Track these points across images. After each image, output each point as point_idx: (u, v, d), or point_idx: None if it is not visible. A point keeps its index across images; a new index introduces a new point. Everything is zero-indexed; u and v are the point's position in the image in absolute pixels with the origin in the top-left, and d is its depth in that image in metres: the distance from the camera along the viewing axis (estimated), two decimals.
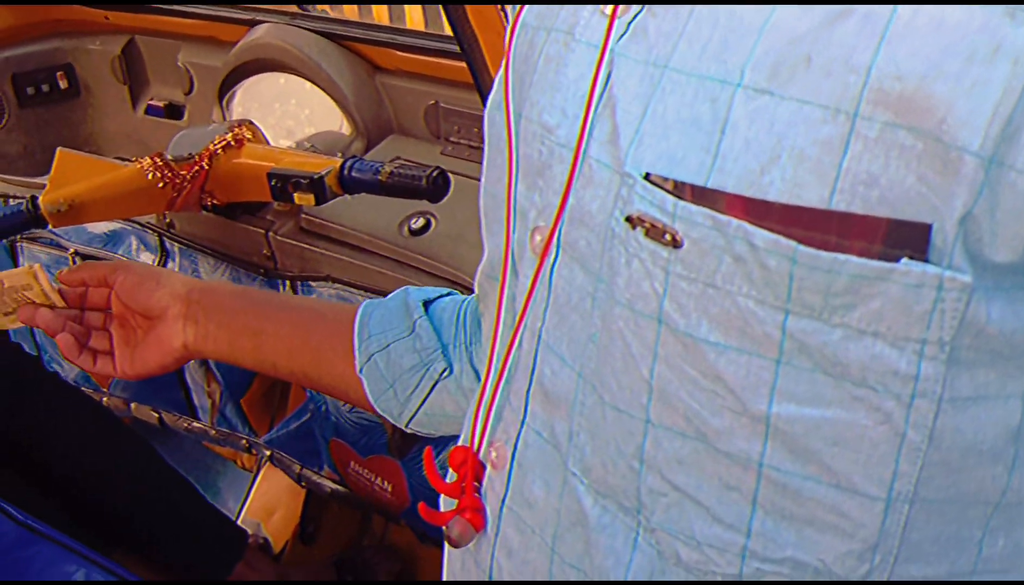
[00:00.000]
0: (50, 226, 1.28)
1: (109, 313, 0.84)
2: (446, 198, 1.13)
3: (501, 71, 0.52)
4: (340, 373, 0.74)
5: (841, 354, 0.37)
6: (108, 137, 1.67)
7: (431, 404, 0.71)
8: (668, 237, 0.39)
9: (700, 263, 0.39)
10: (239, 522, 1.61)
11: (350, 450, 1.32)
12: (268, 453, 1.51)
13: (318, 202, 1.17)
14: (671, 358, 0.41)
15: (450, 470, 0.52)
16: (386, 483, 1.31)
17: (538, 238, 0.46)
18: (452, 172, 1.13)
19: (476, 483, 0.50)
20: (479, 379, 0.71)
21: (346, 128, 1.46)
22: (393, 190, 1.13)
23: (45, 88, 1.58)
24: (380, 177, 1.13)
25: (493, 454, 0.50)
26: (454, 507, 0.50)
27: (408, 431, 0.77)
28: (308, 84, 1.43)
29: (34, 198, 1.25)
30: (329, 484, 1.45)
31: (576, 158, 0.43)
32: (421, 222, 1.23)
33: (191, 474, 1.51)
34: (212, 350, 0.79)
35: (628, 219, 0.40)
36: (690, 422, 0.41)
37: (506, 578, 0.49)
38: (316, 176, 1.15)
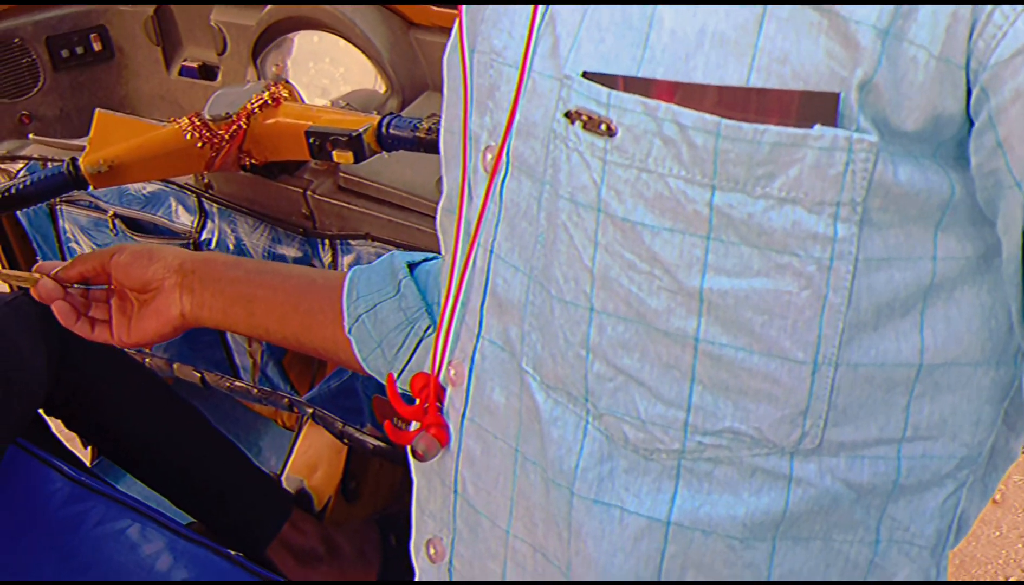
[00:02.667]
0: (91, 187, 1.29)
1: (111, 288, 0.88)
2: None
3: (457, 18, 0.55)
4: (330, 336, 0.78)
5: (765, 224, 0.40)
6: (142, 99, 1.67)
7: (417, 361, 0.75)
8: (604, 127, 0.42)
9: (633, 149, 0.41)
10: (282, 479, 1.63)
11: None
12: (310, 411, 1.52)
13: (356, 159, 1.16)
14: (611, 245, 0.43)
15: (409, 392, 0.56)
16: None
17: (488, 157, 0.48)
18: None
19: (438, 404, 0.53)
20: None
21: (380, 86, 1.45)
22: (432, 146, 1.13)
23: (79, 50, 1.58)
24: (419, 133, 1.12)
25: (452, 372, 0.53)
26: (418, 427, 0.53)
27: (399, 390, 0.79)
28: (342, 42, 1.43)
29: (74, 159, 1.26)
30: (371, 441, 1.46)
31: (522, 75, 0.46)
32: None
33: (232, 434, 1.53)
34: (208, 317, 0.83)
35: (567, 115, 0.43)
36: (630, 305, 0.44)
37: (469, 489, 0.52)
38: (354, 133, 1.15)
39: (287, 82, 1.29)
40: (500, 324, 0.49)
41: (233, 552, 1.00)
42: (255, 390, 1.59)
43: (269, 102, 1.24)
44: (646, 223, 0.42)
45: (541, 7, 0.45)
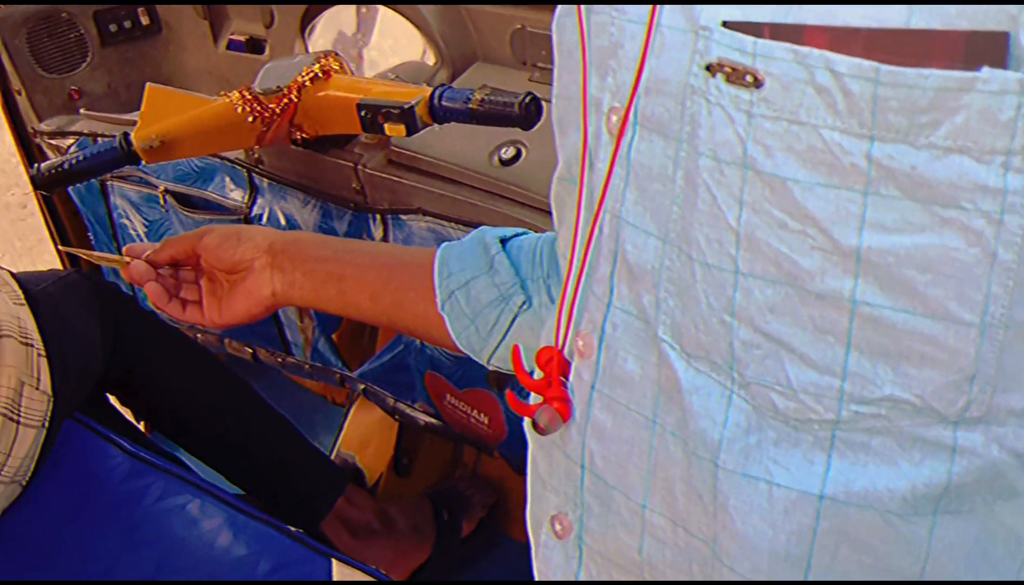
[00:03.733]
0: (143, 162, 1.29)
1: (200, 269, 0.88)
2: (537, 126, 1.11)
3: None
4: (421, 313, 0.77)
5: (928, 175, 0.37)
6: (190, 73, 1.66)
7: (511, 338, 0.73)
8: (749, 78, 0.39)
9: (783, 100, 0.39)
10: (333, 455, 1.64)
11: (446, 383, 1.32)
12: (362, 387, 1.52)
13: (409, 132, 1.14)
14: (758, 203, 0.40)
15: (536, 369, 0.53)
16: (483, 415, 1.30)
17: (614, 118, 0.46)
18: (543, 99, 1.10)
19: (563, 378, 0.51)
20: None
21: (429, 58, 1.43)
22: (484, 118, 1.11)
23: (127, 25, 1.58)
24: (471, 105, 1.10)
25: (580, 343, 0.50)
26: (541, 401, 0.51)
27: (490, 368, 0.78)
28: (390, 13, 1.40)
29: (126, 135, 1.26)
30: (423, 417, 1.46)
31: (650, 30, 0.43)
32: (511, 152, 1.20)
33: (285, 410, 1.53)
34: (299, 297, 0.82)
35: (708, 68, 0.40)
36: (780, 267, 0.41)
37: (598, 463, 0.49)
38: (407, 106, 1.13)
39: (336, 55, 1.27)
40: (632, 292, 0.47)
41: (292, 528, 0.99)
42: (307, 365, 1.59)
43: (320, 75, 1.22)
44: (797, 178, 0.39)
45: None
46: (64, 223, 1.70)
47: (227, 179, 1.47)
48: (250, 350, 1.65)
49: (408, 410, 1.47)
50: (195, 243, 0.85)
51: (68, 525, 0.99)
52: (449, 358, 1.29)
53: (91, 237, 1.70)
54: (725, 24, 0.40)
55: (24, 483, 1.00)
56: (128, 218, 1.62)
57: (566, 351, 0.51)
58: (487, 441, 1.34)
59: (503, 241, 0.75)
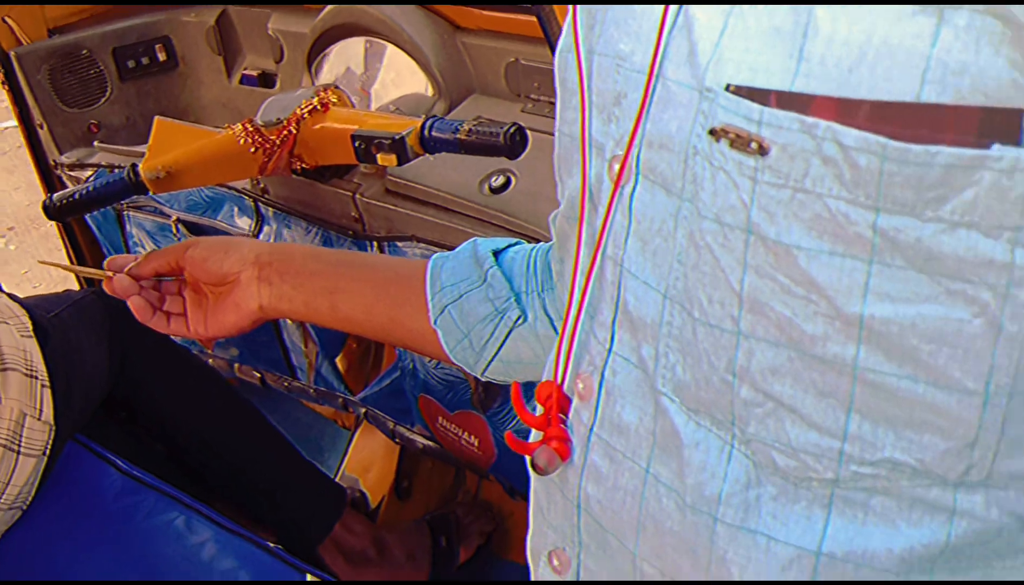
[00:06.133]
0: (150, 192, 1.34)
1: (181, 281, 0.86)
2: (525, 155, 1.13)
3: (569, 15, 0.52)
4: (416, 327, 0.76)
5: (935, 248, 0.37)
6: (205, 107, 1.72)
7: (507, 352, 0.72)
8: (755, 145, 0.39)
9: (788, 168, 0.39)
10: (338, 478, 1.66)
11: (438, 406, 1.34)
12: (363, 410, 1.55)
13: (400, 162, 1.18)
14: (762, 267, 0.41)
15: (537, 404, 0.53)
16: (472, 438, 1.32)
17: (615, 166, 0.46)
18: (532, 129, 1.13)
19: (562, 415, 0.51)
20: (553, 325, 0.71)
21: (430, 90, 1.47)
22: (472, 148, 1.14)
23: (144, 60, 1.64)
24: (459, 135, 1.13)
25: (580, 385, 0.50)
26: (540, 438, 0.51)
27: (484, 380, 0.77)
28: (392, 47, 1.45)
29: (134, 166, 1.31)
30: (421, 440, 1.48)
31: (650, 80, 0.44)
32: (501, 180, 1.23)
33: (293, 434, 1.57)
34: (288, 310, 0.81)
35: (712, 132, 0.40)
36: (783, 331, 0.41)
37: (593, 506, 0.50)
38: (397, 137, 1.16)
39: (337, 88, 1.32)
40: (633, 341, 0.47)
41: (273, 545, 1.02)
42: (311, 390, 1.63)
43: (318, 107, 1.26)
44: (802, 245, 0.39)
45: (673, 7, 0.42)
46: (83, 251, 1.76)
47: (235, 208, 1.51)
48: (258, 374, 1.69)
49: (407, 433, 1.50)
50: (180, 256, 0.83)
51: (63, 539, 1.02)
52: (440, 381, 1.31)
53: None
54: (731, 88, 0.40)
55: (24, 507, 1.04)
56: (143, 246, 1.67)
57: (566, 388, 0.51)
58: (479, 463, 1.36)
59: (496, 253, 0.74)
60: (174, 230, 1.60)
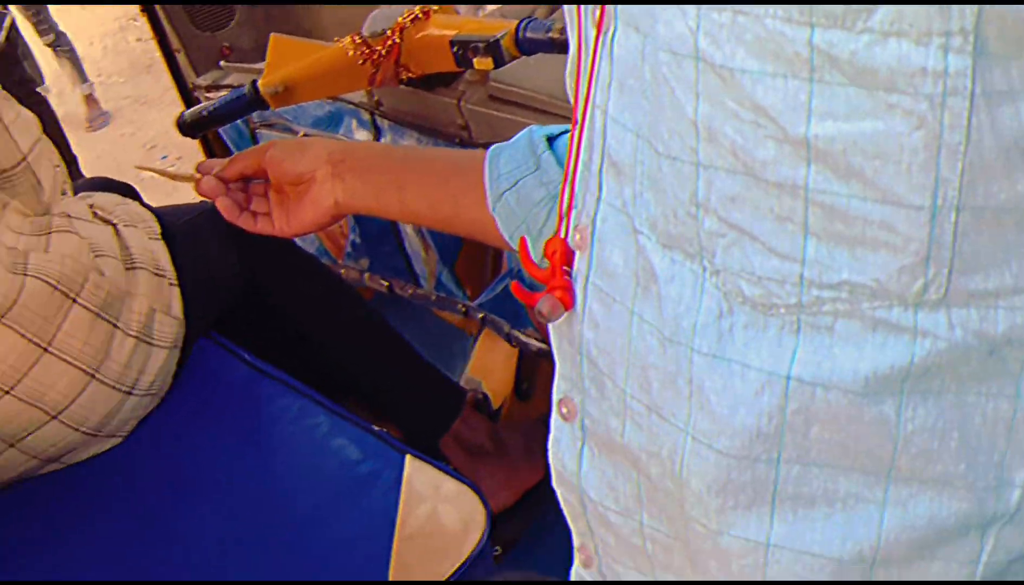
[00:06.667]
0: (271, 108, 1.41)
1: (267, 183, 0.90)
2: None
3: None
4: (477, 217, 0.78)
5: (869, 61, 0.37)
6: (327, 27, 1.78)
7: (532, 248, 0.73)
8: None
9: None
10: (462, 381, 1.73)
11: None
12: (481, 315, 1.60)
13: (496, 65, 1.20)
14: (712, 94, 0.41)
15: (544, 259, 0.55)
16: None
17: (597, 12, 0.47)
18: None
19: (567, 268, 0.53)
20: None
21: None
22: (567, 47, 1.14)
23: None
24: (552, 34, 1.14)
25: (577, 237, 0.52)
26: (545, 290, 0.53)
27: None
28: None
29: (254, 82, 1.38)
30: (535, 343, 1.52)
31: None
32: None
33: (423, 341, 1.64)
34: (362, 205, 0.85)
35: None
36: (737, 157, 0.42)
37: (592, 351, 0.52)
38: (492, 39, 1.18)
39: None
40: (617, 185, 0.49)
41: (378, 429, 1.09)
42: (433, 296, 1.70)
43: (420, 16, 1.29)
44: (746, 68, 0.39)
45: None
46: None
47: (354, 122, 1.57)
48: (386, 283, 1.77)
49: (522, 337, 1.54)
50: (260, 157, 0.88)
51: (194, 425, 1.13)
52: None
53: None
54: None
55: (161, 395, 1.15)
56: None
57: (569, 241, 0.53)
58: None
59: (550, 140, 0.75)
60: None
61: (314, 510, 0.99)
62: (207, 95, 1.75)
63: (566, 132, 0.76)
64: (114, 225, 1.14)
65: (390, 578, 0.89)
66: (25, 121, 1.05)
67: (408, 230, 1.64)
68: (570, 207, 0.52)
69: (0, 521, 1.08)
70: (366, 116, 1.54)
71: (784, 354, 0.44)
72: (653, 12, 0.43)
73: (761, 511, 0.46)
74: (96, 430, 1.07)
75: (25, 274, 0.99)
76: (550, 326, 0.56)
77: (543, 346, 1.52)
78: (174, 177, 0.92)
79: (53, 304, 1.00)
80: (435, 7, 1.30)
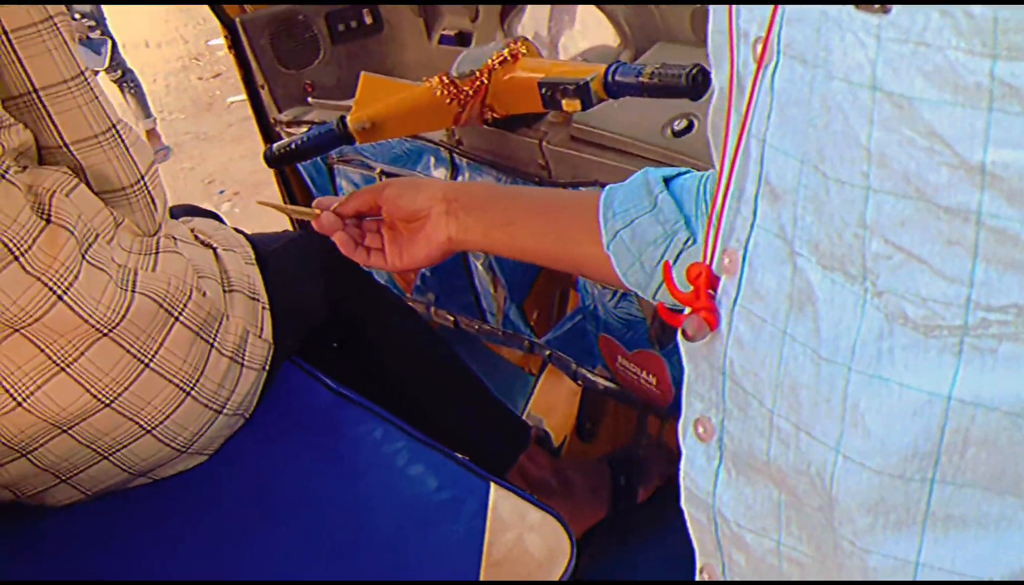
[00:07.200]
0: (356, 143, 1.46)
1: (380, 220, 0.95)
2: (706, 96, 1.16)
3: None
4: (584, 252, 0.82)
5: None
6: (407, 65, 1.83)
7: (676, 274, 0.76)
8: (877, 6, 0.41)
9: (909, 23, 0.40)
10: (524, 417, 1.75)
11: (617, 345, 1.39)
12: (547, 353, 1.62)
13: (584, 107, 1.23)
14: (888, 121, 0.43)
15: (686, 283, 0.56)
16: (651, 376, 1.36)
17: (758, 48, 0.49)
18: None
19: (711, 291, 0.54)
20: None
21: (616, 41, 1.51)
22: (655, 90, 1.17)
23: (353, 24, 1.77)
24: (642, 78, 1.17)
25: (726, 261, 0.54)
26: (689, 312, 0.55)
27: (654, 303, 0.82)
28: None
29: (342, 118, 1.43)
30: (601, 381, 1.54)
31: None
32: (684, 123, 1.25)
33: (483, 376, 1.66)
34: (473, 241, 0.89)
35: None
36: (909, 182, 0.43)
37: (737, 371, 0.53)
38: (582, 82, 1.21)
39: (526, 40, 1.38)
40: (773, 211, 0.50)
41: (461, 457, 1.11)
42: (499, 332, 1.72)
43: (508, 58, 1.33)
44: (924, 97, 0.41)
45: None
46: (298, 201, 1.93)
47: (431, 159, 1.61)
48: (451, 318, 1.80)
49: (589, 375, 1.56)
50: (378, 195, 0.93)
51: (278, 447, 1.15)
52: (619, 321, 1.36)
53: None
54: None
55: (247, 416, 1.18)
56: None
57: (714, 267, 0.55)
58: (657, 402, 1.40)
59: (666, 181, 0.79)
60: (378, 181, 1.73)
61: (397, 533, 1.00)
62: (287, 130, 1.81)
63: (681, 174, 0.79)
64: (214, 248, 1.17)
65: None
66: (143, 144, 1.09)
67: (479, 266, 1.67)
68: (717, 233, 0.54)
69: (87, 531, 1.10)
70: (445, 154, 1.58)
71: (945, 375, 0.45)
72: (827, 44, 0.44)
73: (912, 531, 0.47)
74: (186, 446, 1.10)
75: (134, 291, 1.03)
76: (685, 349, 0.57)
77: (610, 385, 1.53)
78: (293, 212, 0.96)
79: (158, 321, 1.04)
80: (523, 49, 1.34)
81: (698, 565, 0.59)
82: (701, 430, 0.56)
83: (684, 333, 0.53)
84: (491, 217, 0.88)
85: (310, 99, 1.75)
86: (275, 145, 1.50)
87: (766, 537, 0.53)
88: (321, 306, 1.38)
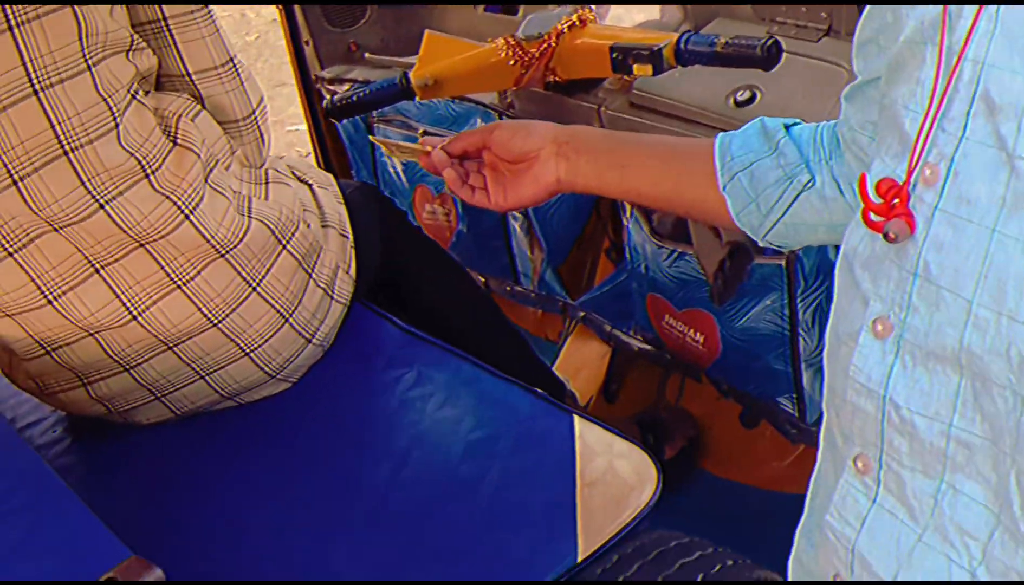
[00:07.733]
0: (417, 98, 1.50)
1: (480, 161, 0.98)
2: (771, 71, 1.23)
3: None
4: (697, 196, 0.88)
5: None
6: (452, 31, 1.87)
7: (792, 215, 0.82)
8: None
9: None
10: None
11: (666, 304, 1.46)
12: (581, 314, 1.68)
13: (655, 72, 1.29)
14: None
15: (875, 195, 0.61)
16: (699, 334, 1.44)
17: None
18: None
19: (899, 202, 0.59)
20: (840, 189, 0.82)
21: (665, 18, 1.58)
22: (728, 60, 1.24)
23: None
24: (716, 48, 1.23)
25: (927, 172, 0.58)
26: (883, 219, 0.59)
27: (762, 244, 0.88)
28: None
29: (405, 74, 1.47)
30: (636, 342, 1.61)
31: None
32: (747, 94, 1.32)
33: None
34: (582, 183, 0.93)
35: None
36: None
37: (932, 270, 0.58)
38: (656, 48, 1.28)
39: (590, 8, 1.44)
40: (990, 124, 0.53)
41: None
42: (533, 294, 1.78)
43: (577, 23, 1.39)
44: None
45: None
46: (331, 158, 1.96)
47: (479, 122, 1.66)
48: (482, 279, 1.85)
49: (623, 336, 1.63)
50: (487, 136, 0.95)
51: (353, 380, 1.20)
52: (672, 280, 1.43)
53: (353, 173, 1.95)
54: None
55: (327, 347, 1.22)
56: (389, 157, 1.85)
57: (913, 176, 0.58)
58: (700, 361, 1.47)
59: (786, 127, 0.84)
60: (420, 140, 1.77)
61: (488, 457, 1.06)
62: (328, 87, 1.84)
63: (797, 124, 0.86)
64: (310, 185, 1.21)
65: (577, 522, 0.96)
66: (254, 81, 1.13)
67: (517, 229, 1.73)
68: (922, 151, 0.60)
69: (177, 447, 1.14)
70: (495, 117, 1.63)
71: None
72: None
73: None
74: (277, 371, 1.14)
75: (250, 216, 1.07)
76: (862, 260, 0.63)
77: (645, 346, 1.60)
78: (405, 149, 0.99)
79: (268, 247, 1.08)
80: (590, 14, 1.40)
81: (851, 455, 0.64)
82: (880, 328, 0.61)
83: (886, 235, 0.59)
84: (605, 160, 0.93)
85: (367, 55, 1.79)
86: (336, 96, 1.54)
87: (938, 421, 0.59)
88: (378, 253, 1.43)
